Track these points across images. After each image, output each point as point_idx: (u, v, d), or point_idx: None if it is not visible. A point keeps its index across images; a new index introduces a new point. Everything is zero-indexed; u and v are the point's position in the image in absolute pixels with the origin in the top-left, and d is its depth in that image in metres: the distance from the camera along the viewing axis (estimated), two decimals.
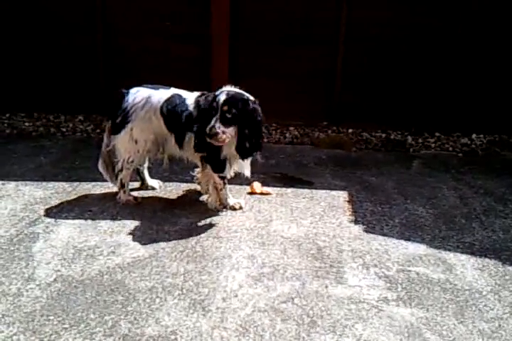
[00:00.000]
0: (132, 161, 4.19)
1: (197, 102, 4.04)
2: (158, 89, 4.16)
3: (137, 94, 4.10)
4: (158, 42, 6.56)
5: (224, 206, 4.20)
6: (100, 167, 4.34)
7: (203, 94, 4.15)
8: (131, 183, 4.38)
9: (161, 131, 4.12)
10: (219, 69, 6.46)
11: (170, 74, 6.32)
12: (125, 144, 4.13)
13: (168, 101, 4.07)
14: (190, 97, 4.11)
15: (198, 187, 4.52)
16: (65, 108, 6.71)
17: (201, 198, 4.41)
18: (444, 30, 6.39)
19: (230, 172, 4.22)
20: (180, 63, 6.57)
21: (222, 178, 4.15)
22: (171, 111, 4.05)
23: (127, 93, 4.13)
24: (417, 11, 6.34)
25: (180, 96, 4.10)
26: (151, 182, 4.56)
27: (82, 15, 6.56)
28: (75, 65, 6.68)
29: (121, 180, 4.25)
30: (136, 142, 4.11)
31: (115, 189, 4.33)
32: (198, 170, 4.47)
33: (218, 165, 4.10)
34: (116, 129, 4.14)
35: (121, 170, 4.22)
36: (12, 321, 2.74)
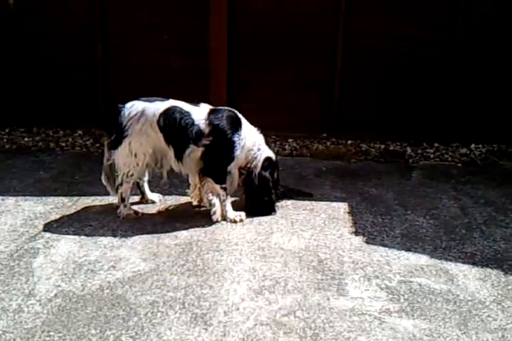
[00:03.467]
0: (132, 175, 4.19)
1: (211, 120, 4.09)
2: (153, 101, 4.16)
3: (132, 108, 4.10)
4: (157, 55, 6.60)
5: (224, 218, 4.20)
6: (103, 180, 4.36)
7: (215, 110, 4.19)
8: (131, 197, 4.38)
9: (159, 144, 4.13)
10: (217, 82, 6.50)
11: (169, 87, 6.36)
12: (124, 158, 4.14)
13: (165, 113, 4.07)
14: (195, 111, 4.13)
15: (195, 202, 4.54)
16: (64, 123, 6.73)
17: (199, 209, 4.41)
18: (442, 42, 6.44)
19: (235, 184, 4.30)
20: (179, 76, 6.60)
21: (224, 189, 4.19)
22: (170, 124, 4.06)
23: (123, 107, 4.14)
24: (416, 22, 6.39)
25: (181, 108, 4.12)
26: (151, 195, 4.56)
27: (81, 29, 6.61)
28: (74, 79, 6.71)
29: (121, 194, 4.25)
30: (135, 156, 4.11)
31: (115, 202, 4.33)
32: (191, 188, 4.49)
33: (222, 176, 4.15)
34: (114, 144, 4.15)
35: (121, 184, 4.22)
36: (13, 337, 2.72)
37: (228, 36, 6.44)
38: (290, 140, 6.61)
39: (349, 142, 6.60)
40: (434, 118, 6.65)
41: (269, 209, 4.39)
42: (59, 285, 3.22)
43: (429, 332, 2.86)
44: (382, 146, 6.51)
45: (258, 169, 4.31)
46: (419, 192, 5.02)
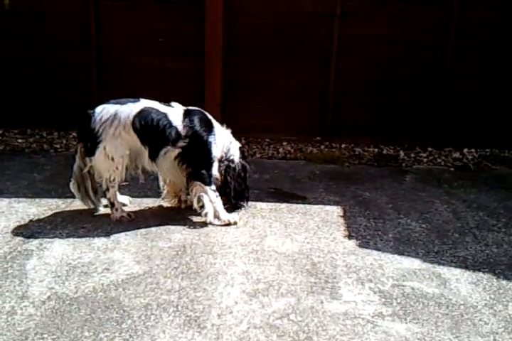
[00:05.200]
0: (114, 179, 4.17)
1: (188, 123, 4.16)
2: (125, 103, 4.14)
3: (103, 113, 4.08)
4: (153, 58, 6.62)
5: (219, 220, 4.21)
6: (72, 187, 4.31)
7: (189, 112, 4.23)
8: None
9: (135, 145, 4.14)
10: (212, 84, 6.52)
11: (164, 88, 6.39)
12: (102, 164, 4.12)
13: (140, 115, 4.09)
14: (171, 112, 4.18)
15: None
16: (58, 124, 6.72)
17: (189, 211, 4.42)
18: (435, 46, 6.49)
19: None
20: (174, 78, 6.62)
21: (214, 191, 4.24)
22: (147, 126, 4.08)
23: (93, 113, 4.10)
24: (410, 27, 6.44)
25: (157, 110, 4.14)
26: (120, 198, 4.48)
27: (76, 32, 6.62)
28: (69, 81, 6.72)
29: (109, 199, 4.24)
30: (112, 160, 4.09)
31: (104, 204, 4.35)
32: (164, 191, 4.53)
33: (209, 178, 4.23)
34: (89, 151, 4.12)
35: (107, 190, 4.21)
36: (6, 340, 2.71)
37: (224, 38, 6.47)
38: (284, 143, 6.63)
39: (343, 146, 6.64)
40: (427, 122, 6.70)
41: (247, 197, 4.53)
42: (52, 288, 3.21)
43: (422, 336, 2.87)
44: (376, 150, 6.55)
45: (237, 158, 4.44)
46: (412, 196, 5.04)
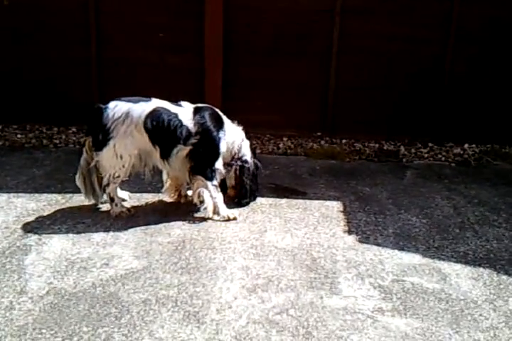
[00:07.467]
0: (118, 176, 4.16)
1: (197, 120, 4.15)
2: (137, 102, 4.11)
3: (116, 109, 4.05)
4: (153, 53, 6.60)
5: (218, 215, 4.20)
6: (78, 181, 4.29)
7: (199, 109, 4.21)
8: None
9: (145, 145, 4.11)
10: (213, 81, 6.50)
11: (164, 85, 6.37)
12: (109, 160, 4.10)
13: (151, 115, 4.06)
14: (181, 112, 4.16)
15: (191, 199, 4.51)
16: (57, 120, 6.71)
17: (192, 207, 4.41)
18: (436, 42, 6.47)
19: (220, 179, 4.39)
20: (174, 74, 6.60)
21: (216, 186, 4.23)
22: (158, 126, 4.06)
23: (106, 108, 4.07)
24: (410, 23, 6.42)
25: (168, 110, 4.12)
26: (120, 193, 4.45)
27: (76, 27, 6.59)
28: (68, 76, 6.70)
29: (109, 194, 4.22)
30: (120, 158, 4.08)
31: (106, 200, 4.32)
32: (166, 185, 4.51)
33: (212, 173, 4.19)
34: (98, 146, 4.09)
35: (107, 185, 4.19)
36: (4, 335, 2.70)
37: (224, 35, 6.44)
38: (285, 139, 6.62)
39: (343, 141, 6.62)
40: (428, 118, 6.68)
41: (255, 195, 4.60)
42: (51, 283, 3.20)
43: (422, 331, 2.86)
44: (377, 146, 6.54)
45: (250, 157, 4.46)
46: (412, 192, 5.03)
